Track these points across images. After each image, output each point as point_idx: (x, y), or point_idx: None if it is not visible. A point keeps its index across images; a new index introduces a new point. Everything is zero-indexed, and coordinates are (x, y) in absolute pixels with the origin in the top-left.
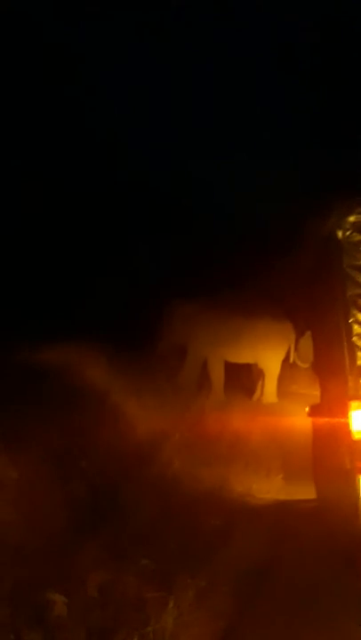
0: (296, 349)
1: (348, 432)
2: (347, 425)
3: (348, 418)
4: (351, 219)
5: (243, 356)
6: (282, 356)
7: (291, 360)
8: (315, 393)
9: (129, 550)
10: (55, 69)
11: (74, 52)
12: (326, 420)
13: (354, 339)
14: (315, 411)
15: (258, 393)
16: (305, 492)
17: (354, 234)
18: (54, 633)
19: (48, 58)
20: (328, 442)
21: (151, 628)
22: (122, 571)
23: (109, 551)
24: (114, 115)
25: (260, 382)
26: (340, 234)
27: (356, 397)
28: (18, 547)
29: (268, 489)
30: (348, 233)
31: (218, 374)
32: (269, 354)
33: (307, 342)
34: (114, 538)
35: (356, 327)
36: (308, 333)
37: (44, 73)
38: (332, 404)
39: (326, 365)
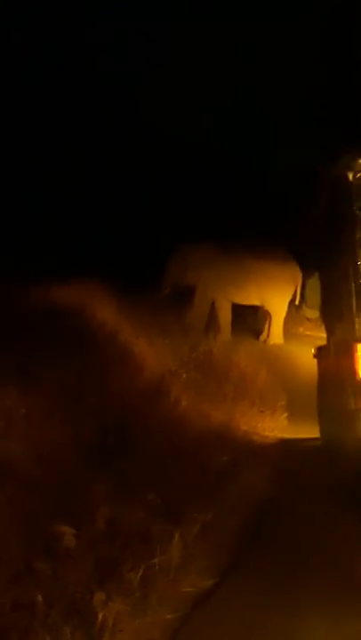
0: (303, 291)
1: (354, 373)
2: (352, 366)
3: (353, 359)
4: None
5: (250, 297)
6: (288, 297)
7: (297, 302)
8: (321, 335)
9: (137, 485)
10: None
11: None
12: (332, 361)
13: None
14: (321, 352)
15: (264, 334)
16: (309, 431)
17: None
18: (63, 563)
19: None
20: (333, 383)
21: (157, 560)
22: (129, 505)
23: (118, 486)
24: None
25: (267, 323)
26: (350, 176)
27: None
28: (28, 480)
29: (273, 427)
30: (358, 175)
31: (225, 315)
32: (276, 295)
33: (314, 284)
34: (122, 473)
35: None
36: (316, 275)
37: None
38: (338, 346)
39: (333, 307)
